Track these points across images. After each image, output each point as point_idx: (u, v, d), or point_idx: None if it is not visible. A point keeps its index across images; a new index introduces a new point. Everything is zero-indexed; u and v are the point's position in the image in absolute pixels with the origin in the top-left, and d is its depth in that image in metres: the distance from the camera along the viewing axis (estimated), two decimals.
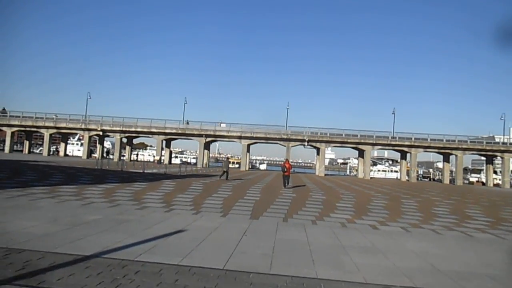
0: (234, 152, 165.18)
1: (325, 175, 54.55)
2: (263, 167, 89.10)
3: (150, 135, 57.57)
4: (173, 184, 18.19)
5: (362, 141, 53.62)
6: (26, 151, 60.98)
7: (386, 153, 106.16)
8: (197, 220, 8.39)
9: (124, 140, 59.79)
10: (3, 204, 8.60)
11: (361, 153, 55.65)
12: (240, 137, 54.52)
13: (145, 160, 70.23)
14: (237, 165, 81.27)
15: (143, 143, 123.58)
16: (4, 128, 57.71)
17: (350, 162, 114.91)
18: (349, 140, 54.22)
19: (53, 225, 6.67)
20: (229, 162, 29.53)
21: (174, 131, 55.00)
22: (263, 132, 54.52)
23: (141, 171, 28.27)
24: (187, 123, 55.47)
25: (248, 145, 55.47)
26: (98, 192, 12.45)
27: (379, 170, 74.34)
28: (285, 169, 21.62)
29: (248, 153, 56.25)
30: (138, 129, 56.01)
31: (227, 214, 9.70)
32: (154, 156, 72.52)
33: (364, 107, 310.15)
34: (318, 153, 56.54)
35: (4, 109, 58.86)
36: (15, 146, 66.99)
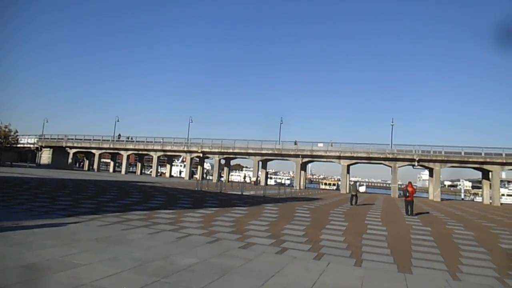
0: (327, 172, 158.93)
1: (441, 199, 47.09)
2: (362, 189, 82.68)
3: (246, 156, 57.63)
4: (276, 210, 16.07)
5: (488, 160, 45.09)
6: (138, 172, 66.58)
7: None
8: (324, 272, 5.89)
9: (222, 161, 61.04)
10: (92, 235, 7.35)
11: (486, 175, 46.87)
12: (339, 157, 50.82)
13: (241, 181, 70.93)
14: (333, 187, 76.80)
15: (239, 165, 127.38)
16: (121, 152, 63.99)
17: (461, 185, 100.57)
18: (470, 159, 46.19)
19: (135, 275, 4.90)
20: (357, 185, 26.34)
21: (270, 151, 54.01)
22: (365, 151, 49.93)
23: (239, 193, 27.07)
24: (295, 143, 53.73)
25: (348, 166, 51.34)
26: (196, 220, 10.90)
27: (503, 195, 62.11)
28: (408, 194, 17.87)
29: (348, 175, 52.02)
30: (236, 150, 56.52)
31: (361, 260, 6.99)
32: (250, 177, 72.68)
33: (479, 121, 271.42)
34: (431, 175, 49.38)
35: (119, 135, 65.43)
36: (130, 168, 73.94)
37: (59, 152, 63.69)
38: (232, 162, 68.66)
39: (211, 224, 10.35)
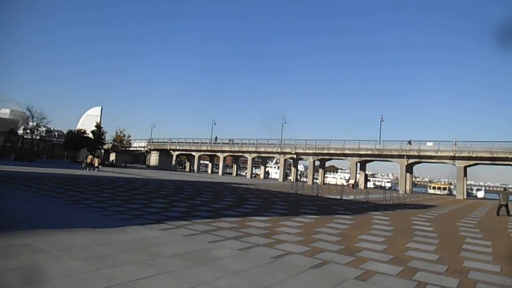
0: (432, 175, 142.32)
1: None
2: (480, 194, 71.44)
3: (343, 157, 54.36)
4: (387, 220, 13.52)
5: None
6: (234, 174, 68.32)
7: None
8: None
9: (317, 163, 58.72)
10: (175, 249, 6.24)
11: None
12: (453, 158, 44.26)
13: (337, 183, 67.41)
14: (444, 191, 67.91)
15: (333, 166, 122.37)
16: (218, 154, 66.43)
17: None
18: None
19: None
20: (509, 193, 21.94)
21: (369, 152, 49.89)
22: (487, 150, 42.44)
23: (338, 197, 24.72)
24: (409, 143, 48.28)
25: (465, 167, 44.35)
26: (294, 232, 9.24)
27: None
28: None
29: (464, 178, 44.96)
30: (331, 151, 53.72)
31: None
32: (346, 180, 68.64)
33: None
34: None
35: (216, 137, 67.94)
36: (226, 169, 76.57)
37: (164, 154, 69.03)
38: (327, 164, 65.75)
39: (312, 237, 8.57)
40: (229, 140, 65.22)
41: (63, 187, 15.30)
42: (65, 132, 68.46)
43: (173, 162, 69.05)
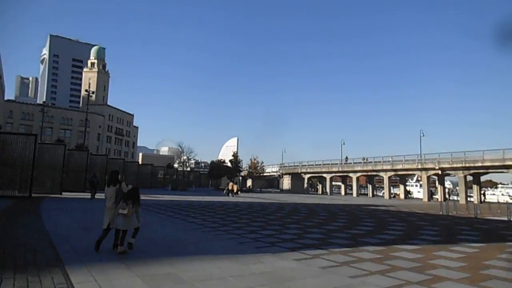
0: None
1: None
2: None
3: (503, 170, 45.27)
4: None
5: None
6: (370, 194, 64.23)
7: None
8: None
9: (469, 177, 50.38)
10: (311, 285, 5.63)
11: None
12: None
13: (499, 201, 56.12)
14: None
15: (490, 181, 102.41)
16: (350, 174, 63.85)
17: None
18: None
19: None
20: None
21: None
22: None
23: (505, 218, 20.26)
24: None
25: None
26: (456, 265, 7.55)
27: None
28: None
29: None
30: (486, 164, 45.47)
31: None
32: (511, 196, 56.92)
33: None
34: None
35: (347, 157, 65.61)
36: (361, 190, 72.76)
37: (296, 178, 70.04)
38: (482, 178, 55.66)
39: (482, 274, 6.80)
40: (362, 159, 62.02)
41: (206, 214, 16.53)
42: (209, 162, 76.67)
43: (305, 185, 69.30)
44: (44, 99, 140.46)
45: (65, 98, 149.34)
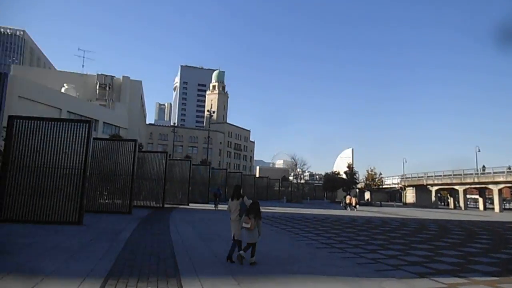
0: None
1: None
2: None
3: None
4: None
5: None
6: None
7: None
8: None
9: None
10: None
11: None
12: None
13: None
14: None
15: None
16: (490, 186, 54.69)
17: None
18: None
19: None
20: None
21: None
22: None
23: None
24: None
25: None
26: None
27: None
28: None
29: None
30: None
31: None
32: None
33: None
34: None
35: (484, 166, 56.30)
36: (505, 204, 61.55)
37: (421, 190, 63.26)
38: None
39: None
40: (507, 168, 52.18)
41: (321, 228, 15.88)
42: (323, 174, 75.40)
43: (433, 199, 61.92)
44: (176, 121, 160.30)
45: (192, 119, 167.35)
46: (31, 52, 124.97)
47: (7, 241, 8.62)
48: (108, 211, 17.43)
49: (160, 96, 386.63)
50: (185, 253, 8.23)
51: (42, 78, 50.48)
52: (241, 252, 7.22)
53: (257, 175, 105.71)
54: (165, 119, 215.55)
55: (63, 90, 47.39)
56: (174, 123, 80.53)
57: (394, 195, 75.36)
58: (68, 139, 12.77)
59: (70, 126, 12.90)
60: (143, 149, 45.46)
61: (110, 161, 18.02)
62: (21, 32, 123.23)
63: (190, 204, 28.87)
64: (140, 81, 57.97)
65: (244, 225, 7.14)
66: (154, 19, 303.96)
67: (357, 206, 38.21)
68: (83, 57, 73.68)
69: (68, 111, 42.32)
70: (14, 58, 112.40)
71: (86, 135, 12.83)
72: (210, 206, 29.10)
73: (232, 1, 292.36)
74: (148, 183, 23.59)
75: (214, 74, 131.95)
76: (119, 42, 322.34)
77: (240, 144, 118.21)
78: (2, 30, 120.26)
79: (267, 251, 8.74)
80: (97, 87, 53.12)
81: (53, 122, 12.88)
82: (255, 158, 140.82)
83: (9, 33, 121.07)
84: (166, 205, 26.27)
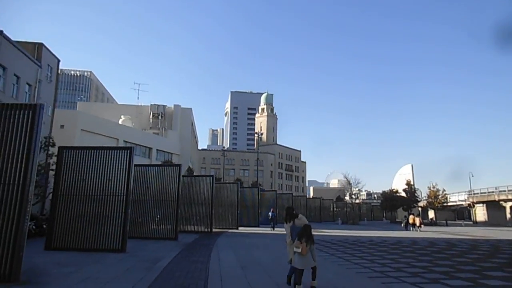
0: None
1: None
2: None
3: None
4: None
5: None
6: None
7: None
8: None
9: None
10: None
11: None
12: None
13: None
14: None
15: None
16: None
17: None
18: None
19: None
20: None
21: None
22: None
23: None
24: None
25: None
26: None
27: None
28: None
29: None
30: None
31: None
32: None
33: None
34: None
35: None
36: None
37: (493, 206, 57.05)
38: None
39: None
40: None
41: (376, 254, 14.43)
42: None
43: (508, 216, 55.35)
44: (228, 145, 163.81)
45: (243, 142, 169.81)
46: (96, 89, 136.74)
47: (43, 271, 8.68)
48: (155, 238, 17.50)
49: (213, 122, 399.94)
50: (218, 283, 7.64)
51: (103, 112, 54.44)
52: (298, 287, 6.85)
53: (311, 195, 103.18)
54: (218, 144, 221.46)
55: (120, 121, 50.52)
56: (223, 147, 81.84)
57: (461, 213, 68.71)
58: (111, 166, 13.06)
59: (113, 154, 13.21)
60: (194, 174, 46.45)
61: (156, 186, 18.25)
62: (88, 73, 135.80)
63: (239, 228, 28.41)
64: (190, 108, 60.13)
65: (295, 249, 6.85)
66: (207, 49, 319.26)
67: (422, 226, 35.13)
68: (138, 89, 78.01)
69: (124, 141, 44.78)
70: (82, 96, 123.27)
71: (128, 162, 13.04)
72: (260, 230, 28.42)
73: (278, 26, 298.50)
74: (196, 208, 23.59)
75: (263, 97, 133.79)
76: (173, 72, 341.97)
77: (291, 165, 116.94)
78: (72, 72, 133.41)
79: (305, 282, 7.85)
80: (151, 116, 55.97)
81: (97, 150, 13.28)
82: (308, 178, 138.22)
83: (78, 75, 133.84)
84: (215, 230, 26.08)
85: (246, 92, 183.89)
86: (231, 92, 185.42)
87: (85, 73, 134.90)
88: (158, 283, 7.55)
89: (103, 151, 13.25)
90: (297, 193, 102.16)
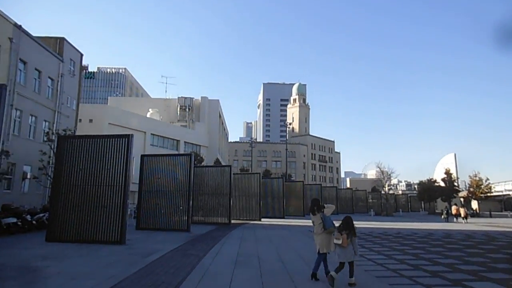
0: None
1: None
2: None
3: None
4: None
5: None
6: None
7: None
8: None
9: None
10: None
11: None
12: None
13: None
14: None
15: None
16: None
17: None
18: None
19: None
20: None
21: None
22: None
23: None
24: None
25: None
26: None
27: None
28: None
29: None
30: None
31: None
32: None
33: None
34: None
35: None
36: None
37: None
38: None
39: None
40: None
41: (398, 248, 12.91)
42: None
43: None
44: (261, 138, 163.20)
45: (276, 134, 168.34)
46: (131, 85, 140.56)
47: (25, 265, 8.22)
48: (168, 229, 16.98)
49: (248, 114, 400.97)
50: (195, 282, 6.75)
51: (133, 106, 55.33)
52: (333, 273, 6.40)
53: (348, 186, 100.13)
54: (253, 137, 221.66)
55: (148, 115, 51.05)
56: (251, 139, 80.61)
57: (509, 204, 63.44)
58: (109, 155, 12.53)
59: (111, 142, 12.66)
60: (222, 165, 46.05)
61: (167, 177, 17.67)
62: (123, 70, 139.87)
63: (262, 220, 27.52)
64: (218, 100, 59.68)
65: (335, 241, 6.61)
66: (241, 41, 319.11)
67: (468, 217, 32.46)
68: (166, 83, 79.16)
69: (151, 134, 45.18)
70: (117, 92, 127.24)
71: (126, 150, 12.44)
72: (284, 221, 27.37)
73: (315, 13, 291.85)
74: (214, 199, 22.89)
75: (294, 87, 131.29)
76: (206, 66, 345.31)
77: (324, 156, 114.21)
78: (108, 70, 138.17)
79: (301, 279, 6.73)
80: (178, 109, 56.15)
81: (96, 139, 12.79)
82: (345, 169, 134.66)
83: (113, 72, 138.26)
84: (236, 221, 25.42)
85: (278, 84, 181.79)
86: (264, 83, 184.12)
87: (120, 70, 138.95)
88: (128, 281, 6.78)
89: (101, 139, 12.74)
90: (331, 184, 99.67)
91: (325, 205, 7.36)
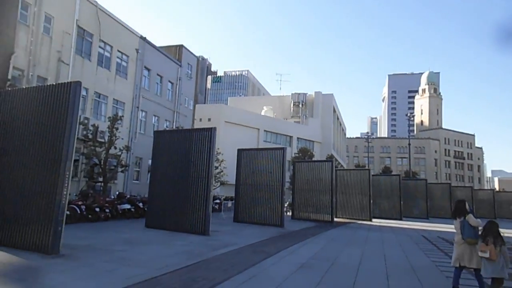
0: None
1: None
2: None
3: None
4: None
5: None
6: None
7: None
8: None
9: None
10: None
11: None
12: None
13: None
14: None
15: None
16: None
17: None
18: None
19: None
20: None
21: None
22: None
23: None
24: None
25: None
26: None
27: None
28: None
29: None
30: None
31: None
32: None
33: None
34: None
35: None
36: None
37: None
38: None
39: None
40: None
41: None
42: None
43: None
44: (386, 133, 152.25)
45: (403, 129, 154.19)
46: (253, 86, 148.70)
47: (107, 245, 8.95)
48: (261, 223, 16.86)
49: (372, 109, 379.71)
50: (238, 284, 6.15)
51: (250, 104, 57.97)
52: None
53: (497, 188, 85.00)
54: (378, 132, 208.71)
55: (262, 112, 52.67)
56: (367, 134, 75.05)
57: None
58: (195, 148, 12.93)
59: (196, 135, 13.05)
60: (337, 162, 44.20)
61: (261, 170, 17.55)
62: (246, 72, 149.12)
63: (373, 220, 25.14)
64: (332, 94, 57.68)
65: (480, 254, 5.43)
66: (368, 26, 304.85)
67: None
68: (280, 80, 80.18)
69: (264, 130, 46.43)
70: (241, 94, 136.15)
71: (209, 143, 12.63)
72: (400, 223, 24.45)
73: None
74: (316, 195, 21.84)
75: (424, 76, 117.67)
76: (325, 59, 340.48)
77: (461, 152, 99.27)
78: (233, 73, 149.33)
79: None
80: (291, 105, 56.33)
81: (182, 133, 13.42)
82: (493, 168, 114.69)
83: (237, 74, 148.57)
84: (340, 219, 23.98)
85: (406, 74, 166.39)
86: (389, 75, 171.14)
87: (243, 72, 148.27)
88: (175, 273, 6.60)
89: (187, 133, 13.33)
90: (471, 184, 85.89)
91: (471, 214, 6.09)
